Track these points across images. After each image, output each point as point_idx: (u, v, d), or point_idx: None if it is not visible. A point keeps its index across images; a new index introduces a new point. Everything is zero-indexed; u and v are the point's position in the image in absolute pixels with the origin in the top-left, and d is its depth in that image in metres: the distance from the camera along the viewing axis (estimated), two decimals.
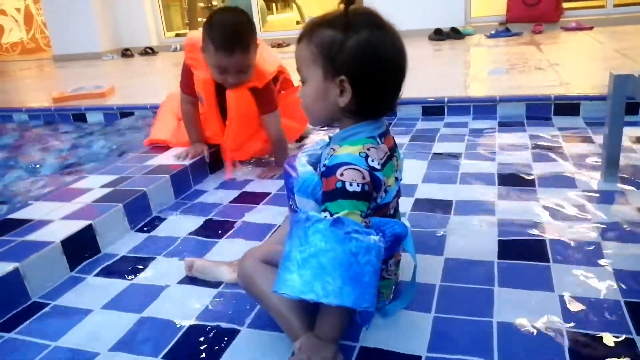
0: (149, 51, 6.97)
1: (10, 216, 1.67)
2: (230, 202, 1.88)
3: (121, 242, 1.63)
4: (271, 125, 2.09)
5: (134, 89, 4.32)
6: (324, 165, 1.02)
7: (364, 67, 0.98)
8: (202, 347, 1.10)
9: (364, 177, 0.96)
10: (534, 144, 2.21)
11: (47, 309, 1.31)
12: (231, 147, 2.13)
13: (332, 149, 1.04)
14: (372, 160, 0.99)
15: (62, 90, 4.12)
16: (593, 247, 1.35)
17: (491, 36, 5.49)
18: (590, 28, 5.31)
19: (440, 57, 4.66)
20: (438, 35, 5.68)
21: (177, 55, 6.63)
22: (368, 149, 1.00)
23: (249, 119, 2.08)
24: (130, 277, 1.42)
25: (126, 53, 6.99)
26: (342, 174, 0.96)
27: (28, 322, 1.26)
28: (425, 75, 3.60)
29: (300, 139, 2.54)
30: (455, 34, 5.66)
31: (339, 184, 0.95)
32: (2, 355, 1.15)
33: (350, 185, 0.95)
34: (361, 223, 0.95)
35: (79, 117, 3.55)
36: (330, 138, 1.13)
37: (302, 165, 1.10)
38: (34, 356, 1.13)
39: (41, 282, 1.39)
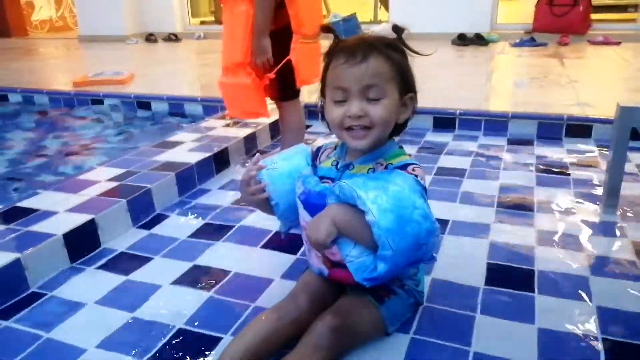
0: (172, 37, 7.03)
1: (19, 204, 1.73)
2: (232, 204, 1.92)
3: (122, 237, 1.68)
4: None
5: (155, 77, 4.38)
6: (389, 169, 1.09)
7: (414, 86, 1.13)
8: (186, 353, 1.15)
9: (425, 178, 1.09)
10: (540, 166, 2.20)
11: (44, 299, 1.37)
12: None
13: (379, 163, 1.11)
14: None
15: (84, 73, 4.21)
16: (580, 281, 1.36)
17: (516, 45, 5.43)
18: (618, 43, 5.21)
19: (462, 64, 4.63)
20: (461, 40, 5.63)
21: (201, 44, 6.70)
22: (410, 156, 1.14)
23: (231, 37, 1.97)
24: (126, 274, 1.47)
25: (150, 38, 7.07)
26: (414, 169, 1.07)
27: (24, 311, 1.32)
28: (444, 83, 3.58)
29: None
30: (479, 40, 5.60)
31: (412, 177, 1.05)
32: None
33: (422, 179, 1.06)
34: None
35: (97, 102, 3.62)
36: (339, 168, 1.15)
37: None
38: (27, 346, 1.19)
39: (41, 273, 1.45)
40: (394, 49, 1.08)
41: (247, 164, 1.22)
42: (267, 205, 1.23)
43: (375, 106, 1.05)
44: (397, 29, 1.12)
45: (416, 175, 1.05)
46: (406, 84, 1.10)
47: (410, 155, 1.15)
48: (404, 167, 1.07)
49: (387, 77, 1.05)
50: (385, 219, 0.95)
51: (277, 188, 1.19)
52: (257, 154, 1.24)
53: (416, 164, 1.09)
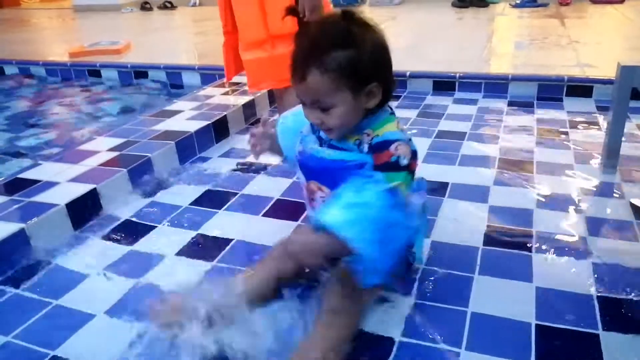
0: (167, 5, 6.91)
1: (20, 175, 1.74)
2: (232, 170, 1.93)
3: (124, 207, 1.69)
4: None
5: (151, 46, 4.33)
6: (372, 144, 1.05)
7: (382, 66, 1.06)
8: None
9: (410, 152, 1.05)
10: (540, 127, 2.20)
11: (50, 268, 1.39)
12: None
13: (366, 134, 1.07)
14: (406, 133, 1.08)
15: (79, 44, 4.16)
16: (578, 240, 1.37)
17: (516, 5, 5.34)
18: (621, 1, 5.12)
19: (462, 26, 4.56)
20: (461, 2, 5.53)
21: (196, 11, 6.59)
22: (398, 122, 1.09)
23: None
24: (130, 242, 1.49)
25: (145, 6, 6.95)
26: (396, 149, 1.03)
27: (33, 279, 1.34)
28: (444, 46, 3.54)
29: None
30: (479, 1, 5.50)
31: (393, 158, 1.02)
32: (9, 309, 1.24)
33: (404, 159, 1.03)
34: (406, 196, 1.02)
35: (94, 73, 3.59)
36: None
37: None
38: (37, 312, 1.22)
39: (45, 242, 1.46)
40: (340, 46, 0.98)
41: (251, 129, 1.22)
42: (276, 147, 1.26)
43: (328, 115, 1.03)
44: (345, 15, 1.02)
45: (398, 156, 1.02)
46: (362, 78, 1.01)
47: (398, 121, 1.10)
48: (387, 145, 1.03)
49: (329, 89, 1.00)
50: (372, 252, 0.94)
51: (285, 143, 1.24)
52: (263, 116, 1.25)
53: (400, 141, 1.03)
